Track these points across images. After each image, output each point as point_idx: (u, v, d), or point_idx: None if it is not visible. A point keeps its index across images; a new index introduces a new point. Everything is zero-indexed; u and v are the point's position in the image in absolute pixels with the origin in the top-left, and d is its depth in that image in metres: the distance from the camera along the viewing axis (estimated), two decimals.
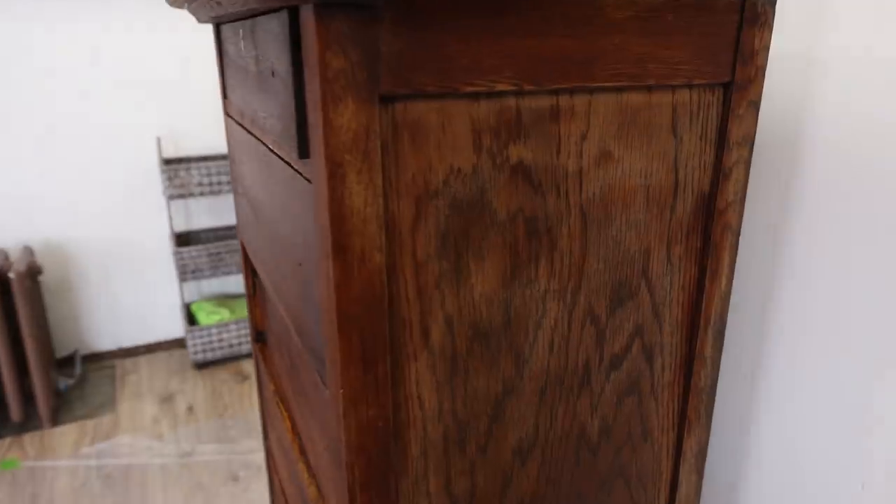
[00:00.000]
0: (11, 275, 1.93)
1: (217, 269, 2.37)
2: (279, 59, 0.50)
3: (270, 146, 0.65)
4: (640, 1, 0.51)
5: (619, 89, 0.54)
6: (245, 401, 2.21)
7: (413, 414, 0.55)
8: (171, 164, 2.32)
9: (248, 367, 2.45)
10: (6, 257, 2.09)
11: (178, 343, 2.61)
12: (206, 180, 2.29)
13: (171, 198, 2.25)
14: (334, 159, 0.44)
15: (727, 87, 0.59)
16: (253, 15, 0.60)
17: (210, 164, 2.28)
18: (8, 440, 2.01)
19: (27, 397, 2.09)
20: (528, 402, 0.61)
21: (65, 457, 1.92)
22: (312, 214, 0.51)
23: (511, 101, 0.50)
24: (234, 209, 2.62)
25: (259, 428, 2.06)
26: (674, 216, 0.62)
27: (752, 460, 0.86)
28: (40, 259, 2.29)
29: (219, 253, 2.36)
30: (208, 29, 2.37)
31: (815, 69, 0.71)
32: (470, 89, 0.47)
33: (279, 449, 1.06)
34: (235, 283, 2.70)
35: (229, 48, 0.85)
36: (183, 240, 2.52)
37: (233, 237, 2.61)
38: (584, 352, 0.62)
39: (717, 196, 0.63)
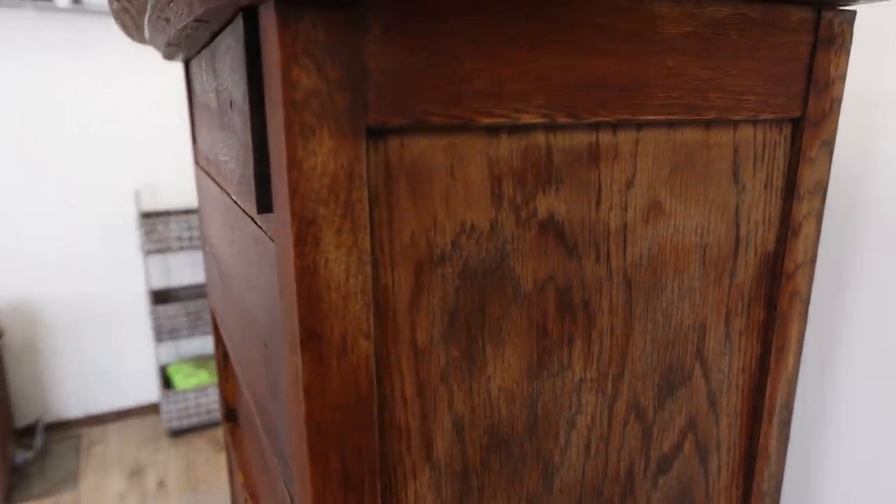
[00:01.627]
0: None
1: (195, 328, 2.22)
2: (236, 84, 0.39)
3: (234, 197, 0.53)
4: (700, 14, 0.40)
5: (672, 124, 0.43)
6: (222, 473, 2.02)
7: None
8: (150, 218, 2.20)
9: None
10: None
11: (153, 409, 2.43)
12: (185, 234, 2.16)
13: (148, 253, 2.12)
14: (304, 214, 0.32)
15: (797, 124, 0.48)
16: (212, 35, 0.49)
17: (191, 217, 2.16)
18: None
19: None
20: None
21: None
22: (271, 268, 0.38)
23: (540, 138, 0.38)
24: None
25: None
26: (734, 282, 0.50)
27: None
28: (3, 319, 2.14)
29: (198, 311, 2.21)
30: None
31: (879, 105, 0.60)
32: (488, 121, 0.35)
33: None
34: None
35: (196, 86, 0.74)
36: (161, 297, 2.38)
37: None
38: (628, 455, 0.49)
39: (785, 256, 0.51)
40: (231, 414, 1.00)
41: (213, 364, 2.42)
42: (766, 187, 0.49)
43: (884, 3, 0.52)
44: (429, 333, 0.38)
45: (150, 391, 2.43)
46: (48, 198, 2.15)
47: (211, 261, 0.82)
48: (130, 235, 2.30)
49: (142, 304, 2.36)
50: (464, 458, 0.42)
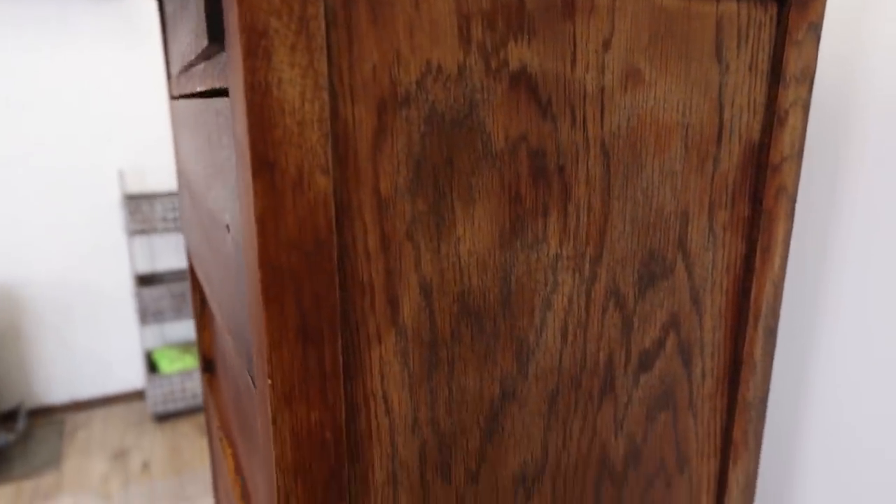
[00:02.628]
0: None
1: (181, 311, 2.19)
2: None
3: (195, 88, 0.51)
4: None
5: None
6: (206, 456, 1.99)
7: (377, 422, 0.39)
8: (134, 199, 2.17)
9: None
10: None
11: (138, 395, 2.39)
12: (170, 215, 2.14)
13: (132, 233, 2.09)
14: (254, 25, 0.30)
15: (783, 3, 0.46)
16: None
17: (175, 199, 2.14)
18: None
19: None
20: (533, 412, 0.45)
21: None
22: (232, 136, 0.36)
23: None
24: None
25: None
26: (717, 170, 0.48)
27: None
28: None
29: (183, 294, 2.18)
30: None
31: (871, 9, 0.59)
32: None
33: (225, 500, 0.88)
34: None
35: (168, 6, 0.72)
36: (146, 281, 2.34)
37: None
38: (607, 344, 0.47)
39: (771, 147, 0.49)
40: (208, 365, 0.97)
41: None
42: (750, 70, 0.47)
43: None
44: (393, 181, 0.36)
45: (135, 377, 2.39)
46: (31, 179, 2.13)
47: (184, 193, 0.80)
48: (115, 219, 2.27)
49: (126, 288, 2.33)
50: (432, 327, 0.40)
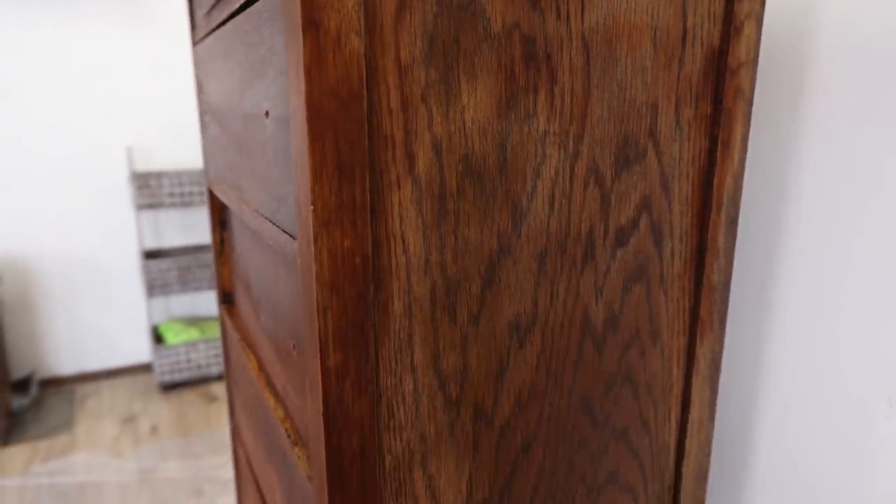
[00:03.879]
0: None
1: (187, 284, 2.26)
2: None
3: (234, 6, 0.59)
4: None
5: None
6: (212, 421, 2.06)
7: (396, 259, 0.47)
8: (142, 175, 2.24)
9: (217, 389, 2.31)
10: None
11: (144, 368, 2.46)
12: (177, 190, 2.21)
13: (140, 208, 2.16)
14: None
15: None
16: None
17: (182, 175, 2.21)
18: None
19: None
20: (525, 268, 0.53)
21: (14, 475, 1.75)
22: (279, 25, 0.44)
23: None
24: (204, 224, 2.53)
25: (225, 443, 1.92)
26: (682, 70, 0.57)
27: (770, 378, 0.78)
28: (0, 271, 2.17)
29: (189, 267, 2.26)
30: (180, 38, 2.35)
31: None
32: None
33: (244, 410, 0.96)
34: (207, 302, 2.59)
35: None
36: (152, 256, 2.42)
37: (203, 253, 2.51)
38: (588, 217, 0.55)
39: (729, 53, 0.58)
40: (227, 297, 1.05)
41: (203, 324, 2.47)
42: None
43: None
44: (411, 52, 0.44)
45: (141, 350, 2.46)
46: (41, 158, 2.20)
47: (211, 126, 0.88)
48: (123, 196, 2.34)
49: (133, 263, 2.40)
50: (442, 181, 0.48)
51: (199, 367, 2.30)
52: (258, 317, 0.80)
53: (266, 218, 0.59)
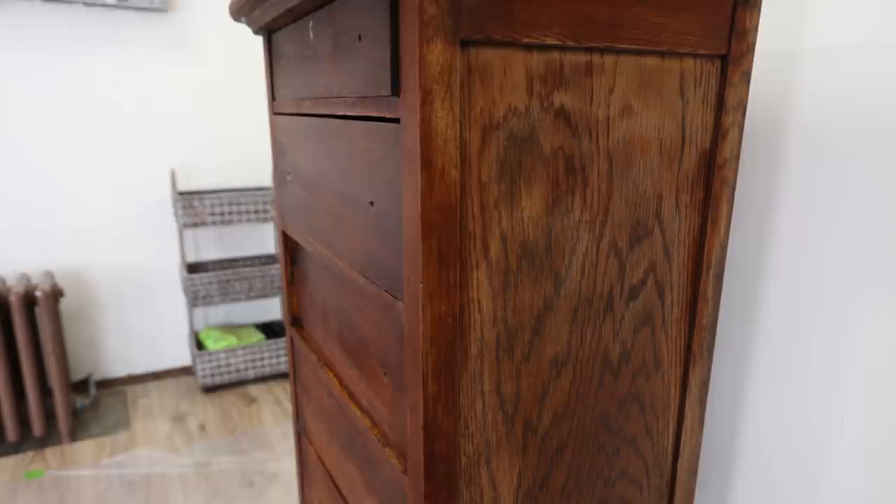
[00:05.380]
0: (38, 293, 2.01)
1: (226, 295, 2.46)
2: (372, 20, 0.63)
3: (342, 113, 0.78)
4: None
5: (639, 52, 0.68)
6: (254, 421, 2.26)
7: (473, 317, 0.66)
8: (187, 196, 2.44)
9: (255, 391, 2.51)
10: (28, 280, 2.17)
11: (185, 371, 2.66)
12: (217, 210, 2.40)
13: (184, 226, 2.35)
14: (426, 88, 0.57)
15: (724, 60, 0.73)
16: (323, 3, 0.74)
17: (222, 195, 2.40)
18: (31, 453, 2.05)
19: (47, 415, 2.13)
20: (563, 320, 0.72)
21: (86, 467, 1.96)
22: (395, 149, 0.63)
23: (556, 55, 0.63)
24: (238, 239, 2.73)
25: (269, 441, 2.11)
26: (681, 168, 0.75)
27: (748, 396, 0.96)
28: (60, 283, 2.37)
29: (228, 280, 2.45)
30: (217, 73, 2.54)
31: (797, 63, 0.86)
32: (527, 40, 0.60)
33: (317, 416, 1.14)
34: (240, 312, 2.78)
35: (286, 48, 0.99)
36: (193, 269, 2.61)
37: (238, 267, 2.70)
38: (609, 280, 0.74)
39: (717, 153, 0.76)
40: (295, 321, 1.24)
41: (238, 331, 2.66)
42: (703, 103, 0.74)
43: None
44: (488, 173, 0.63)
45: (182, 355, 2.66)
46: (94, 178, 2.39)
47: (291, 188, 1.07)
48: (166, 213, 2.54)
49: (175, 275, 2.59)
50: (506, 261, 0.66)
51: (237, 370, 2.50)
52: (337, 343, 0.99)
53: (364, 276, 0.78)
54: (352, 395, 0.93)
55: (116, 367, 2.54)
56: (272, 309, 2.86)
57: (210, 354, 2.43)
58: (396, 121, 0.63)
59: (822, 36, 0.83)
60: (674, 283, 0.79)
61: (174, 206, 2.45)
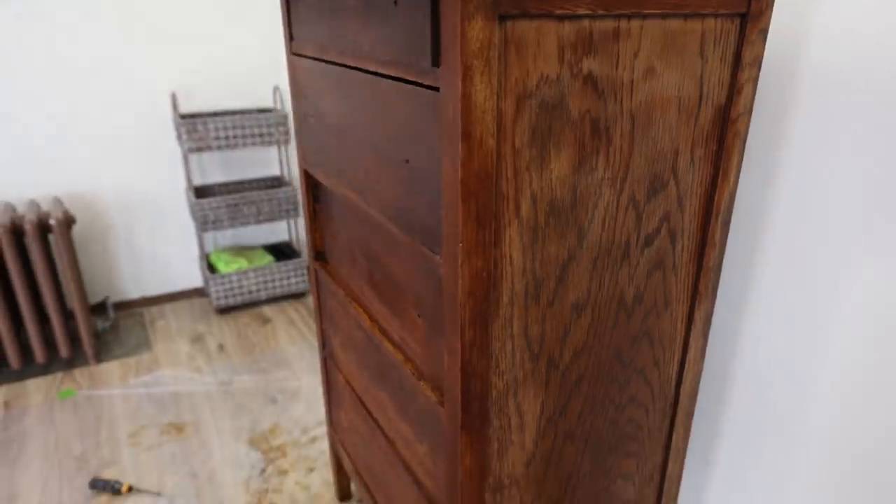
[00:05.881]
0: (52, 221, 2.05)
1: (235, 219, 2.51)
2: None
3: (374, 70, 0.81)
4: None
5: (664, 16, 0.71)
6: (271, 340, 2.37)
7: (505, 270, 0.72)
8: (188, 119, 2.44)
9: (268, 311, 2.61)
10: (38, 207, 2.20)
11: (198, 292, 2.75)
12: (222, 134, 2.41)
13: (189, 151, 2.37)
14: (466, 63, 0.60)
15: (744, 18, 0.76)
16: None
17: (226, 119, 2.40)
18: (60, 375, 2.16)
19: (71, 338, 2.23)
20: (584, 268, 0.79)
21: (115, 387, 2.08)
22: (435, 116, 0.67)
23: (586, 23, 0.66)
24: (242, 162, 2.74)
25: (287, 360, 2.23)
26: (697, 124, 0.79)
27: (744, 329, 1.05)
28: (70, 209, 2.41)
29: (237, 204, 2.49)
30: None
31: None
32: (560, 11, 0.63)
33: (345, 346, 1.23)
34: (248, 234, 2.84)
35: None
36: (199, 193, 2.65)
37: (245, 190, 2.73)
38: (627, 230, 0.80)
39: (731, 108, 0.80)
40: (319, 255, 1.30)
41: (248, 253, 2.73)
42: (721, 60, 0.78)
43: None
44: (521, 140, 0.67)
45: (194, 277, 2.74)
46: (95, 101, 2.38)
47: (316, 131, 1.10)
48: (168, 136, 2.54)
49: (181, 199, 2.63)
50: (535, 218, 0.72)
51: (249, 292, 2.58)
52: (365, 282, 1.06)
53: (398, 227, 0.83)
54: (383, 331, 1.01)
55: (130, 289, 2.62)
56: (279, 231, 2.92)
57: (223, 277, 2.51)
58: (434, 88, 0.67)
59: None
60: (685, 230, 0.85)
61: (177, 130, 2.45)
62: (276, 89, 2.58)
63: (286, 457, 1.77)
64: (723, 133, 0.82)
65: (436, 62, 0.65)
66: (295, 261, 2.65)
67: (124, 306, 2.61)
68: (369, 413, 1.15)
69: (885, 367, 0.87)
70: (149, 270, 2.64)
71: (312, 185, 1.24)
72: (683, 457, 1.01)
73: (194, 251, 2.71)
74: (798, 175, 0.94)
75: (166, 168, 2.57)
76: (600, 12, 0.65)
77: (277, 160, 2.80)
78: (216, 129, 2.41)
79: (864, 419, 0.91)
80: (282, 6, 1.15)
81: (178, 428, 1.89)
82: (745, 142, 0.84)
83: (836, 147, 0.88)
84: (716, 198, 0.85)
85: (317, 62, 1.03)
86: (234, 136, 2.44)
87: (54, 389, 2.11)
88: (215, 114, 2.60)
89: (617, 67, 0.70)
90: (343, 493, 1.59)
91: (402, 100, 0.75)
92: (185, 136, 2.35)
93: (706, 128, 0.80)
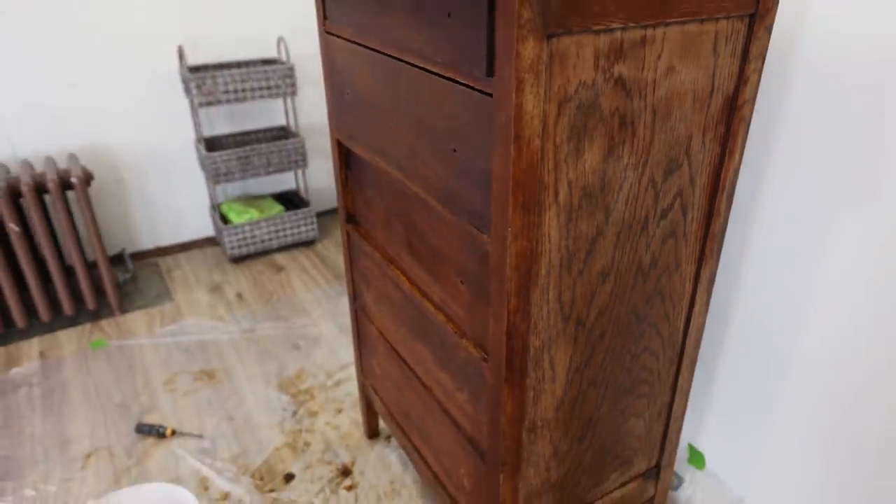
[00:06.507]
0: (74, 179, 2.12)
1: (246, 171, 2.58)
2: (468, 7, 0.74)
3: (424, 66, 0.89)
4: None
5: (683, 22, 0.80)
6: (286, 288, 2.49)
7: (544, 247, 0.84)
8: (198, 74, 2.46)
9: (281, 259, 2.72)
10: (55, 164, 2.26)
11: (209, 241, 2.84)
12: (231, 87, 2.45)
13: (200, 105, 2.41)
14: (519, 77, 0.70)
15: (752, 17, 0.85)
16: None
17: (234, 71, 2.44)
18: (88, 325, 2.28)
19: (95, 290, 2.33)
20: (609, 241, 0.90)
21: (143, 336, 2.20)
22: (486, 116, 0.77)
23: (618, 34, 0.75)
24: (248, 114, 2.79)
25: (305, 308, 2.36)
26: (708, 112, 0.90)
27: (741, 285, 1.19)
28: (84, 163, 2.47)
29: (247, 157, 2.56)
30: None
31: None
32: (596, 27, 0.72)
33: (379, 301, 1.35)
34: (257, 184, 2.92)
35: None
36: (209, 145, 2.70)
37: (253, 142, 2.79)
38: (646, 207, 0.91)
39: (738, 96, 0.91)
40: (350, 217, 1.40)
41: (258, 203, 2.81)
42: (731, 55, 0.87)
43: None
44: (561, 137, 0.78)
45: (205, 226, 2.83)
46: (100, 55, 2.40)
47: (351, 104, 1.18)
48: (175, 89, 2.58)
49: (190, 151, 2.69)
50: (570, 202, 0.83)
51: (262, 241, 2.69)
52: (403, 247, 1.17)
53: (442, 205, 0.94)
54: (424, 294, 1.13)
55: (144, 240, 2.71)
56: (286, 180, 2.99)
57: (236, 227, 2.61)
58: (487, 93, 0.77)
59: None
60: (695, 203, 0.97)
61: (185, 83, 2.48)
62: (280, 40, 2.60)
63: (314, 399, 1.92)
64: (730, 118, 0.92)
65: (490, 73, 0.74)
66: (304, 210, 2.74)
67: (139, 257, 2.71)
68: (405, 362, 1.29)
69: (862, 318, 1.01)
70: (162, 221, 2.72)
71: (345, 154, 1.34)
72: (687, 396, 1.16)
73: (204, 201, 2.79)
74: (790, 151, 1.05)
75: (174, 121, 2.61)
76: (630, 24, 0.75)
77: (283, 111, 2.85)
78: (225, 84, 2.45)
79: (841, 362, 1.06)
80: None
81: (210, 375, 2.03)
82: (749, 125, 0.94)
83: (823, 125, 0.99)
84: (722, 174, 0.96)
85: (355, 46, 1.10)
86: (243, 90, 2.49)
87: (85, 340, 2.23)
88: (221, 65, 2.63)
89: (643, 69, 0.80)
90: (371, 431, 1.75)
91: (452, 96, 0.85)
92: (195, 91, 2.39)
93: (716, 115, 0.91)
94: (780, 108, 1.06)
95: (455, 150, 0.87)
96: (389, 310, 1.31)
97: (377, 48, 1.02)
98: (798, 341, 1.11)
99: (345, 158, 1.34)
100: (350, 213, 1.41)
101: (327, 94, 1.30)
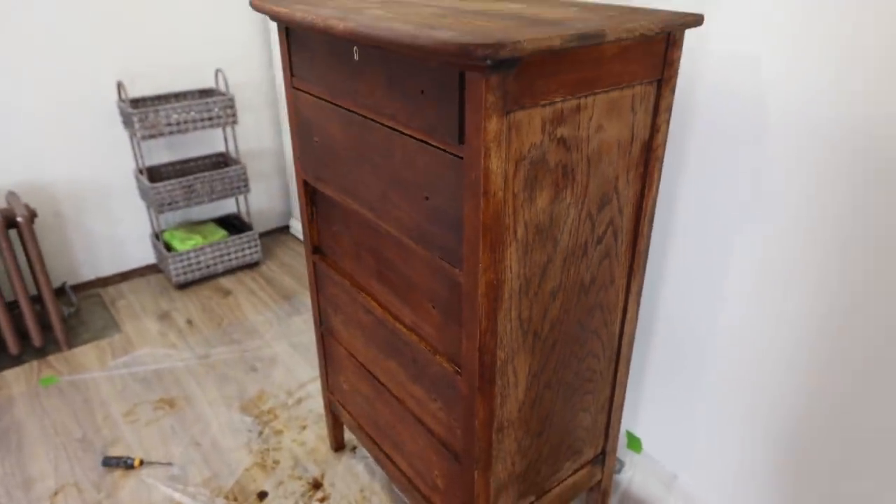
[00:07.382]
0: (20, 219, 2.13)
1: (190, 199, 2.63)
2: (440, 89, 0.90)
3: (397, 128, 1.05)
4: (620, 44, 0.96)
5: (609, 90, 0.99)
6: (236, 311, 2.56)
7: (507, 275, 1.01)
8: (139, 106, 2.50)
9: (226, 283, 2.78)
10: None
11: (151, 269, 2.87)
12: (173, 120, 2.50)
13: (143, 139, 2.45)
14: (486, 146, 0.87)
15: (660, 82, 1.06)
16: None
17: (175, 104, 2.49)
18: (35, 363, 2.28)
19: (41, 325, 2.33)
20: (557, 266, 1.09)
21: (95, 370, 2.23)
22: (457, 173, 0.93)
23: (559, 105, 0.93)
24: (186, 144, 2.84)
25: (257, 329, 2.44)
26: (630, 155, 1.10)
27: (662, 293, 1.41)
28: (25, 198, 2.45)
29: (191, 185, 2.61)
30: None
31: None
32: (543, 102, 0.90)
33: (347, 324, 1.49)
34: (198, 210, 2.96)
35: (312, 44, 1.20)
36: (149, 175, 2.73)
37: (194, 170, 2.84)
38: (584, 236, 1.10)
39: (653, 141, 1.11)
40: (317, 249, 1.53)
41: (201, 228, 2.86)
42: (645, 112, 1.07)
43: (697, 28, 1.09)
44: (518, 187, 0.95)
45: (146, 254, 2.85)
46: (39, 91, 2.40)
47: (320, 149, 1.31)
48: (113, 120, 2.60)
49: (129, 179, 2.71)
50: (526, 237, 1.00)
51: (207, 266, 2.74)
52: (373, 276, 1.31)
53: (415, 242, 1.09)
54: (396, 317, 1.28)
55: (84, 271, 2.71)
56: (227, 205, 3.05)
57: (180, 255, 2.65)
58: (458, 156, 0.93)
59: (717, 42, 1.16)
60: (624, 228, 1.17)
61: (126, 117, 2.51)
62: (218, 71, 2.67)
63: (278, 418, 2.02)
64: (648, 159, 1.13)
65: (461, 140, 0.90)
66: (248, 233, 2.82)
67: (80, 289, 2.70)
68: (377, 379, 1.43)
69: (761, 311, 1.24)
70: (102, 252, 2.73)
71: (310, 192, 1.47)
72: (625, 389, 1.36)
73: (145, 229, 2.81)
74: (695, 178, 1.27)
75: (112, 152, 2.63)
76: (568, 97, 0.93)
77: (222, 138, 2.91)
78: (167, 116, 2.49)
79: (748, 350, 1.29)
80: (282, 50, 1.33)
81: (170, 403, 2.10)
82: (662, 163, 1.15)
83: (717, 161, 1.21)
84: (644, 204, 1.17)
85: (323, 102, 1.24)
86: (185, 122, 2.54)
87: (34, 378, 2.23)
88: (160, 97, 2.66)
89: (578, 129, 0.98)
90: (338, 444, 1.87)
91: (424, 154, 1.00)
92: (137, 125, 2.43)
93: (636, 157, 1.11)
94: (685, 149, 1.28)
95: (427, 198, 1.03)
96: (360, 332, 1.45)
97: (349, 108, 1.17)
98: (711, 335, 1.34)
99: (310, 196, 1.47)
100: (316, 245, 1.53)
101: (293, 139, 1.42)
